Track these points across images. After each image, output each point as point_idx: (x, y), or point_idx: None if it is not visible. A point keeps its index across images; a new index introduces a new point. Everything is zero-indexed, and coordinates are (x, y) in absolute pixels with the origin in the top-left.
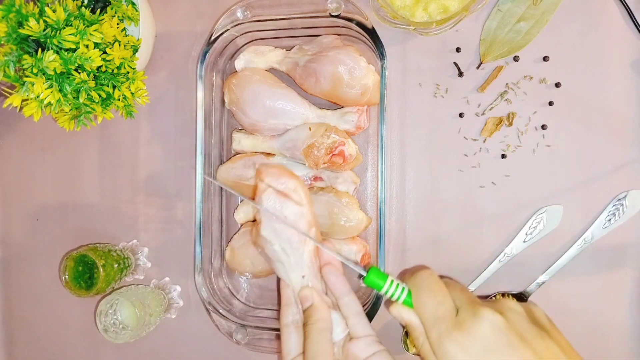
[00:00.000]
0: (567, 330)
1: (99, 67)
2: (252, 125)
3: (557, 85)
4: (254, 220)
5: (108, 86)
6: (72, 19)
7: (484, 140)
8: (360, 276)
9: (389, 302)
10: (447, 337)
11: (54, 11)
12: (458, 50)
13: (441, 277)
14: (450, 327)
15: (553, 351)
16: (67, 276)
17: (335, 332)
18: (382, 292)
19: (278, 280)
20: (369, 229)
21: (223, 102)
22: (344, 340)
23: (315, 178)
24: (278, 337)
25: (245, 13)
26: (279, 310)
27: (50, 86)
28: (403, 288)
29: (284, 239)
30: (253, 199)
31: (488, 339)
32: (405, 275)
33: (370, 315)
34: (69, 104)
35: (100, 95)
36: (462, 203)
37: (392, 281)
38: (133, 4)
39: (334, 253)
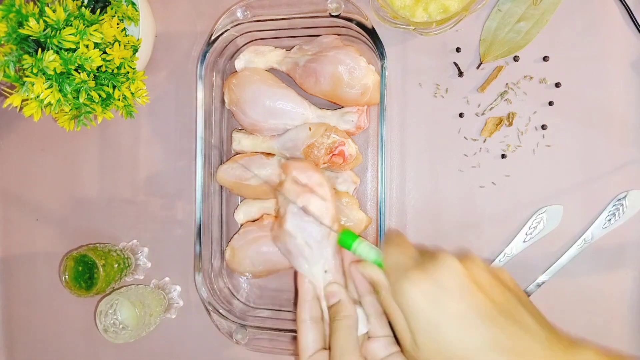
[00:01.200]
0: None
1: (99, 67)
2: (252, 125)
3: (557, 85)
4: (254, 220)
5: (108, 86)
6: (72, 19)
7: (484, 140)
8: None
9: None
10: (405, 278)
11: (54, 11)
12: (458, 50)
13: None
14: (409, 269)
15: (511, 302)
16: (67, 276)
17: (359, 328)
18: (352, 250)
19: (295, 275)
20: (369, 229)
21: (223, 102)
22: (363, 337)
23: None
24: (279, 337)
25: (245, 13)
26: (294, 306)
27: (50, 86)
28: (373, 249)
29: (308, 232)
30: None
31: (445, 282)
32: None
33: None
34: (69, 104)
35: (100, 95)
36: (462, 203)
37: (361, 241)
38: (133, 4)
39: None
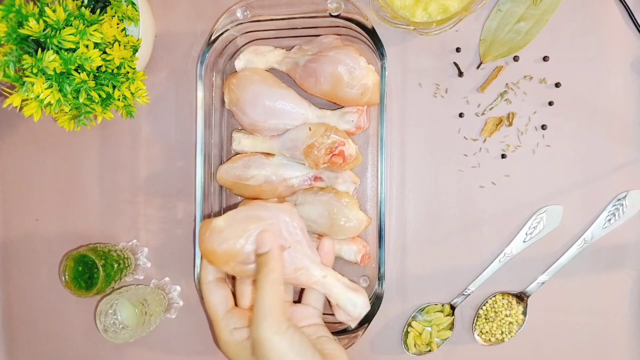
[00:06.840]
0: (567, 330)
1: (99, 67)
2: (252, 125)
3: (557, 85)
4: None
5: (108, 86)
6: (72, 19)
7: (484, 140)
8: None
9: None
10: None
11: (54, 11)
12: (458, 50)
13: None
14: None
15: None
16: (67, 276)
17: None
18: None
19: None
20: (369, 229)
21: (223, 102)
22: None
23: (315, 178)
24: None
25: (245, 13)
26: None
27: (50, 86)
28: None
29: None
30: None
31: None
32: None
33: (370, 315)
34: (69, 104)
35: (100, 95)
36: (462, 203)
37: None
38: (133, 4)
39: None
